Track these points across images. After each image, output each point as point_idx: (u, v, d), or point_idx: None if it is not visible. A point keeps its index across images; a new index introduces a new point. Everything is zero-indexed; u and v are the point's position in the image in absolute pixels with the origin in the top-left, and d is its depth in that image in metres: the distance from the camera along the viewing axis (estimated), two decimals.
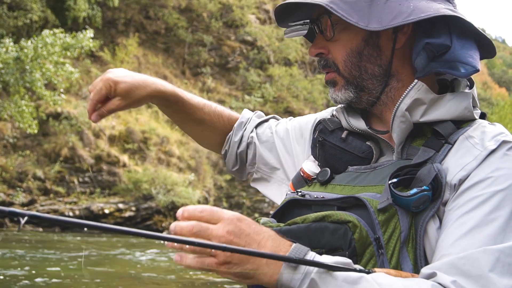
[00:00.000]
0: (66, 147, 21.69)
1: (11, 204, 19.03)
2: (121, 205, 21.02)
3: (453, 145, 1.18)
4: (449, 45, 1.22)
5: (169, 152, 24.27)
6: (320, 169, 1.34)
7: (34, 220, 0.78)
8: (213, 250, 0.98)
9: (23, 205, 19.34)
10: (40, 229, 19.35)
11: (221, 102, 29.77)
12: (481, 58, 1.26)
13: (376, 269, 1.04)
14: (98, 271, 10.55)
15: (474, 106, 1.27)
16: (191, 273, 11.09)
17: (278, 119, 1.72)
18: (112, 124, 23.81)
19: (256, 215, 23.08)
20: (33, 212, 0.81)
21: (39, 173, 20.85)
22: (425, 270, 1.05)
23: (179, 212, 1.03)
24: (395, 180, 1.13)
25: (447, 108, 1.22)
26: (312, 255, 1.03)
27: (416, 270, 1.09)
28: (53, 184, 20.88)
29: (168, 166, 23.58)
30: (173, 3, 30.92)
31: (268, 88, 31.00)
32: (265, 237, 1.03)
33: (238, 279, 1.02)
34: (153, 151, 23.78)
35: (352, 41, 1.26)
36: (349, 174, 1.26)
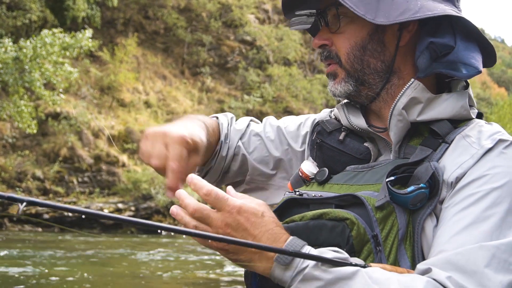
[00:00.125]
0: (65, 147, 21.70)
1: (10, 204, 19.03)
2: (120, 205, 21.03)
3: (450, 144, 1.19)
4: (452, 46, 1.23)
5: None
6: (318, 169, 1.34)
7: (33, 221, 0.78)
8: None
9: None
10: (39, 229, 19.36)
11: (221, 101, 29.82)
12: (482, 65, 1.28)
13: (371, 263, 1.05)
14: (99, 271, 10.56)
15: (471, 105, 1.28)
16: (195, 271, 11.11)
17: (257, 122, 1.60)
18: (111, 124, 23.81)
19: None
20: (32, 198, 0.82)
21: (38, 173, 20.86)
22: (420, 266, 1.06)
23: (189, 178, 1.07)
24: (392, 178, 1.14)
25: (443, 107, 1.23)
26: (307, 249, 1.04)
27: (413, 268, 1.10)
28: (52, 184, 20.89)
29: None
30: (172, 3, 30.93)
31: (267, 88, 31.03)
32: (261, 231, 1.06)
33: (236, 264, 1.08)
34: None
35: (357, 35, 1.27)
36: (347, 173, 1.27)
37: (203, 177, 1.47)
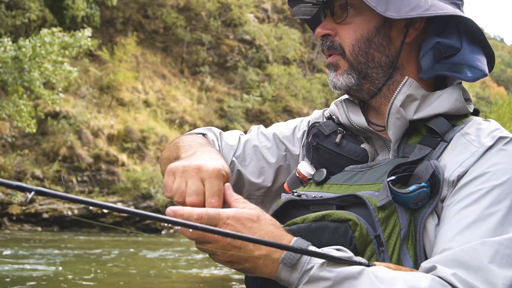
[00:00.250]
0: (65, 146, 21.70)
1: (9, 203, 19.03)
2: (120, 204, 21.03)
3: (449, 143, 1.19)
4: (458, 48, 1.23)
5: None
6: (315, 170, 1.32)
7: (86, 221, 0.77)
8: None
9: (21, 204, 19.33)
10: (39, 228, 19.35)
11: (220, 101, 29.80)
12: None
13: (376, 262, 1.05)
14: (109, 270, 10.56)
15: (467, 99, 1.28)
16: (203, 269, 11.10)
17: (243, 134, 1.55)
18: (110, 123, 23.80)
19: None
20: (40, 188, 0.80)
21: (38, 172, 20.85)
22: (425, 264, 1.06)
23: (171, 213, 1.01)
24: (393, 177, 1.13)
25: (438, 102, 1.23)
26: (313, 249, 1.03)
27: (416, 267, 1.09)
28: (51, 183, 20.88)
29: None
30: (171, 2, 30.92)
31: (267, 87, 31.02)
32: (261, 235, 1.04)
33: (240, 271, 1.06)
34: (151, 150, 23.80)
35: (363, 27, 1.25)
36: (346, 173, 1.25)
37: None
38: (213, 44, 31.95)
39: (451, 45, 1.23)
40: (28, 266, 10.60)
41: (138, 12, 30.58)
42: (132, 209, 0.90)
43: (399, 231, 1.09)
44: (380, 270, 1.01)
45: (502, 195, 1.09)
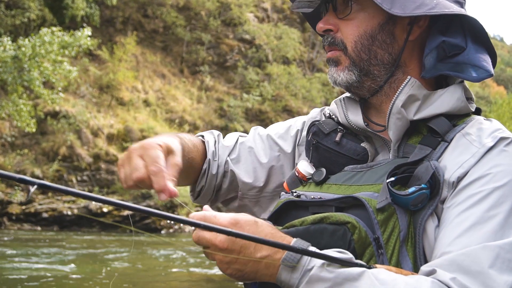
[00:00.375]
0: (65, 146, 21.68)
1: (9, 203, 19.02)
2: None
3: (449, 143, 1.18)
4: (463, 47, 1.22)
5: None
6: (315, 170, 1.32)
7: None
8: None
9: (21, 203, 19.32)
10: (39, 228, 19.34)
11: (220, 100, 29.79)
12: None
13: (377, 265, 1.04)
14: (112, 269, 10.56)
15: (469, 98, 1.26)
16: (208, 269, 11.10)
17: (244, 136, 1.58)
18: (110, 122, 23.78)
19: None
20: (43, 181, 0.80)
21: (38, 171, 20.83)
22: (425, 267, 1.05)
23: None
24: (392, 179, 1.12)
25: (439, 102, 1.21)
26: (313, 250, 1.02)
27: (415, 269, 1.08)
28: (51, 182, 20.83)
29: None
30: (171, 2, 30.90)
31: (267, 87, 31.00)
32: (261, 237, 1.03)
33: (240, 279, 1.05)
34: None
35: (367, 23, 1.23)
36: (345, 173, 1.24)
37: (196, 198, 1.50)
38: (212, 44, 31.93)
39: (456, 45, 1.21)
40: (28, 266, 10.60)
41: (138, 11, 30.56)
42: (132, 204, 0.90)
43: (398, 233, 1.08)
44: (381, 272, 1.00)
45: (502, 197, 1.08)
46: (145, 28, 30.50)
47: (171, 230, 21.15)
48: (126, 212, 20.80)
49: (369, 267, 1.01)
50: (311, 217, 1.12)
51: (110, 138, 23.28)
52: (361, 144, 1.28)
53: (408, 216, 1.10)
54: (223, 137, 1.57)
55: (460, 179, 1.12)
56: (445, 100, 1.21)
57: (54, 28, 18.73)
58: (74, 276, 9.81)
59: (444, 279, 1.00)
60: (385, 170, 1.17)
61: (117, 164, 1.20)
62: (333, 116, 1.37)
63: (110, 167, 22.15)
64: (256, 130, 1.55)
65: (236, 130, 29.28)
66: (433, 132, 1.20)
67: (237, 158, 1.49)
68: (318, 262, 1.01)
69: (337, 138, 1.29)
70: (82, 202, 20.40)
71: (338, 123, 1.34)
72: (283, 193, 1.32)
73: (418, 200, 1.09)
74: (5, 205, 19.07)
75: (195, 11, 31.84)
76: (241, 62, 31.65)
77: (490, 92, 54.53)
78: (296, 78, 32.52)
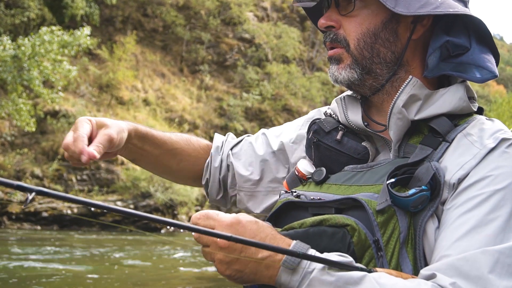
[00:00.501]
0: None
1: (9, 202, 19.01)
2: (119, 203, 21.01)
3: (450, 143, 1.16)
4: (467, 47, 1.20)
5: None
6: (315, 169, 1.31)
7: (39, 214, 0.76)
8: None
9: (21, 203, 19.31)
10: (38, 227, 19.34)
11: (219, 99, 29.77)
12: None
13: (377, 268, 1.03)
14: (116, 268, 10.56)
15: (471, 97, 1.25)
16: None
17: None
18: None
19: None
20: (41, 188, 0.79)
21: (37, 171, 20.83)
22: (424, 271, 1.04)
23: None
24: (393, 180, 1.10)
25: (441, 102, 1.20)
26: (313, 252, 1.01)
27: (415, 270, 1.08)
28: (51, 182, 20.86)
29: None
30: (170, 1, 30.88)
31: (266, 86, 30.98)
32: (262, 237, 1.03)
33: (239, 281, 1.04)
34: None
35: (370, 21, 1.22)
36: (345, 173, 1.23)
37: (207, 194, 1.62)
38: (212, 43, 31.92)
39: (460, 45, 1.20)
40: (27, 264, 10.60)
41: (138, 10, 30.54)
42: (129, 209, 0.90)
43: (398, 235, 1.07)
44: (382, 276, 0.99)
45: (503, 200, 1.06)
46: (145, 27, 30.48)
47: (171, 229, 21.15)
48: None
49: (370, 271, 1.00)
50: (310, 219, 1.11)
51: None
52: (362, 143, 1.27)
53: (408, 218, 1.09)
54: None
55: (460, 180, 1.11)
56: (447, 99, 1.20)
57: (53, 27, 18.72)
58: (78, 275, 9.81)
59: (443, 284, 0.99)
60: (385, 171, 1.16)
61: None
62: (334, 115, 1.36)
63: (110, 166, 22.15)
64: (261, 131, 1.61)
65: (235, 129, 29.26)
66: (434, 132, 1.19)
67: (239, 152, 1.56)
68: (318, 264, 1.00)
69: (338, 137, 1.28)
70: None
71: (339, 122, 1.33)
72: (282, 192, 1.32)
73: (418, 201, 1.07)
74: (4, 205, 19.06)
75: (194, 10, 31.82)
76: (240, 61, 31.64)
77: (490, 91, 54.51)
78: (295, 77, 32.50)
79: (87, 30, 19.09)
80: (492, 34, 1.23)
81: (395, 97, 1.20)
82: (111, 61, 26.32)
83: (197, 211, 1.11)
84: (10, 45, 17.90)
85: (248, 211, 1.55)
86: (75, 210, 19.70)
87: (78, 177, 21.50)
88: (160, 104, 27.53)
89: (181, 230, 1.03)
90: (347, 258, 1.02)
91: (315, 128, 1.33)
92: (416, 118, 1.20)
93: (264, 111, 30.16)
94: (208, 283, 10.06)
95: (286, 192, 1.31)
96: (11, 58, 17.75)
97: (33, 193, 0.79)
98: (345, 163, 1.26)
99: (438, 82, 1.29)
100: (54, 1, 24.57)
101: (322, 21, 1.27)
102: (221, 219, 1.04)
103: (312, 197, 1.21)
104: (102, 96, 25.41)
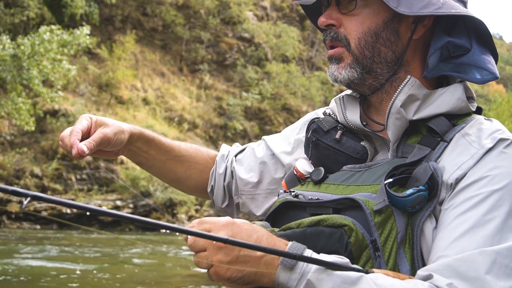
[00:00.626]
0: None
1: (8, 201, 19.01)
2: (118, 202, 21.01)
3: (449, 143, 1.16)
4: (468, 48, 1.20)
5: None
6: (313, 168, 1.31)
7: (34, 217, 0.76)
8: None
9: (20, 202, 19.30)
10: (38, 226, 19.34)
11: (219, 99, 29.76)
12: None
13: (374, 269, 1.03)
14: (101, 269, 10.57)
15: (470, 97, 1.25)
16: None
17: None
18: None
19: None
20: (36, 193, 0.79)
21: (37, 170, 20.82)
22: (421, 272, 1.04)
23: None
24: (390, 180, 1.10)
25: (439, 102, 1.20)
26: (309, 252, 1.01)
27: (413, 271, 1.07)
28: (50, 181, 20.86)
29: None
30: (170, 0, 30.85)
31: (266, 85, 30.98)
32: (258, 236, 1.03)
33: (239, 282, 1.03)
34: None
35: (371, 20, 1.21)
36: (344, 173, 1.23)
37: (212, 200, 1.63)
38: (212, 42, 31.90)
39: (461, 45, 1.20)
40: (28, 264, 10.60)
41: (137, 10, 30.53)
42: (125, 214, 0.89)
43: (396, 235, 1.07)
44: (379, 277, 0.99)
45: (501, 200, 1.06)
46: (144, 27, 30.46)
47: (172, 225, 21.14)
48: (125, 211, 20.79)
49: (366, 272, 1.00)
50: (307, 220, 1.11)
51: None
52: (361, 143, 1.27)
53: (406, 218, 1.09)
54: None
55: (458, 180, 1.10)
56: (446, 99, 1.20)
57: (53, 27, 18.71)
58: (70, 273, 9.81)
59: (440, 285, 0.99)
60: (383, 171, 1.15)
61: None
62: (332, 115, 1.36)
63: (109, 165, 22.15)
64: (263, 137, 1.62)
65: (235, 129, 29.20)
66: (433, 132, 1.19)
67: (242, 158, 1.58)
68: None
69: (337, 136, 1.27)
70: (81, 201, 20.40)
71: (338, 121, 1.33)
72: (281, 191, 1.32)
73: (416, 201, 1.07)
74: (4, 204, 19.06)
75: (194, 9, 31.80)
76: (240, 60, 31.63)
77: (489, 91, 54.55)
78: (295, 77, 32.50)
79: (86, 29, 19.09)
80: (491, 35, 1.23)
81: (394, 97, 1.20)
82: (111, 60, 26.31)
83: (196, 210, 1.10)
84: (10, 44, 17.89)
85: (251, 215, 1.58)
86: (75, 210, 19.68)
87: (78, 177, 21.49)
88: (159, 104, 27.53)
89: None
90: (344, 260, 1.01)
91: (314, 127, 1.33)
92: (415, 118, 1.19)
93: (263, 111, 30.16)
94: (208, 282, 10.06)
95: (284, 191, 1.31)
96: (11, 57, 17.75)
97: (28, 198, 0.79)
98: (344, 162, 1.26)
99: (437, 82, 1.29)
100: (53, 0, 24.57)
101: (322, 19, 1.26)
102: (215, 221, 1.03)
103: (310, 197, 1.21)
104: (101, 96, 25.41)
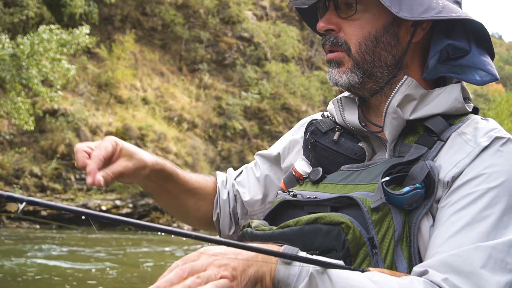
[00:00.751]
0: (63, 144, 21.66)
1: (8, 201, 19.00)
2: (118, 202, 21.01)
3: (445, 142, 1.17)
4: (467, 50, 1.21)
5: (166, 148, 24.25)
6: (312, 169, 1.32)
7: (31, 219, 0.77)
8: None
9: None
10: (37, 226, 19.34)
11: (218, 98, 29.76)
12: None
13: (370, 268, 1.03)
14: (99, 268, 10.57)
15: (466, 98, 1.26)
16: None
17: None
18: (109, 120, 23.77)
19: None
20: (31, 198, 0.80)
21: (36, 170, 20.82)
22: (417, 268, 1.05)
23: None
24: (387, 178, 1.11)
25: (436, 102, 1.21)
26: (303, 254, 1.00)
27: (410, 268, 1.08)
28: (50, 181, 20.86)
29: None
30: (169, 0, 30.85)
31: (265, 85, 30.99)
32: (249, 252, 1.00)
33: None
34: (150, 148, 23.75)
35: (372, 25, 1.22)
36: (342, 172, 1.24)
37: (218, 229, 1.57)
38: (211, 42, 31.91)
39: (461, 47, 1.21)
40: (28, 263, 10.61)
41: (136, 9, 30.52)
42: (121, 217, 0.90)
43: (393, 233, 1.08)
44: (375, 275, 1.00)
45: (496, 198, 1.07)
46: (144, 26, 30.46)
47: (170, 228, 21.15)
48: (124, 211, 20.80)
49: (363, 271, 1.00)
50: (305, 217, 1.11)
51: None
52: (359, 144, 1.28)
53: (403, 216, 1.10)
54: None
55: (454, 178, 1.11)
56: (442, 99, 1.21)
57: (52, 26, 18.71)
58: (69, 273, 9.81)
59: (436, 280, 0.99)
60: (380, 170, 1.16)
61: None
62: (331, 116, 1.37)
63: None
64: (255, 154, 1.62)
65: (234, 128, 29.17)
66: (430, 132, 1.20)
67: (242, 180, 1.55)
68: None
69: (335, 137, 1.28)
70: (81, 201, 20.40)
71: (336, 122, 1.34)
72: (280, 192, 1.33)
73: (412, 199, 1.08)
74: (3, 203, 19.06)
75: (193, 9, 31.81)
76: (239, 60, 31.63)
77: (489, 90, 54.61)
78: (294, 76, 32.51)
79: (86, 28, 19.08)
80: (490, 36, 1.24)
81: (390, 97, 1.21)
82: (110, 60, 26.30)
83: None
84: (9, 43, 17.89)
85: None
86: None
87: (77, 176, 21.49)
88: (159, 103, 27.53)
89: (183, 227, 1.01)
90: (339, 261, 1.02)
91: (312, 128, 1.34)
92: (412, 117, 1.20)
93: (263, 110, 30.16)
94: None
95: (283, 191, 1.32)
96: (10, 56, 17.74)
97: (24, 203, 0.80)
98: (342, 163, 1.27)
99: (435, 83, 1.30)
100: (52, 0, 24.56)
101: (321, 24, 1.26)
102: (206, 249, 0.99)
103: (308, 196, 1.22)
104: (101, 95, 25.41)
